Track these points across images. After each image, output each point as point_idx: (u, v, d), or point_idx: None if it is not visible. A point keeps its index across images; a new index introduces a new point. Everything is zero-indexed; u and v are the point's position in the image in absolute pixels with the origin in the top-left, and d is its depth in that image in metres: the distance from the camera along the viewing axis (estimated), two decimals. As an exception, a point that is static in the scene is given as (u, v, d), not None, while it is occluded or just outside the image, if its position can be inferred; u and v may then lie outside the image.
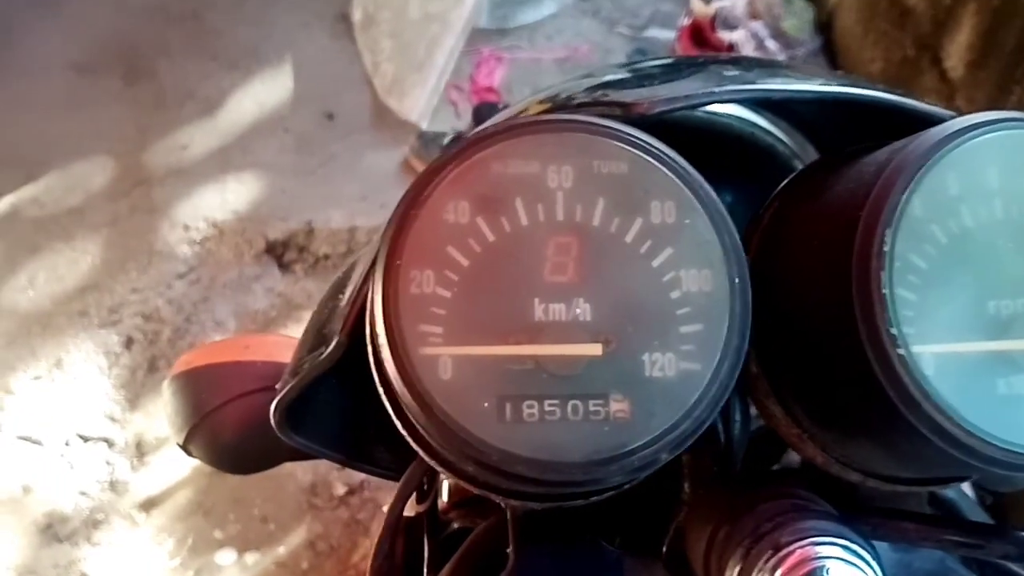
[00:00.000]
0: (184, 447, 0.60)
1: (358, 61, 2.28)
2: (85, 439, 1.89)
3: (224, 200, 2.12)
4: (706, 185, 0.34)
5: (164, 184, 2.15)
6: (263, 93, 2.27)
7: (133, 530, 1.80)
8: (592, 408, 0.32)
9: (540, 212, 0.34)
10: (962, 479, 0.41)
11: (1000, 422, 0.32)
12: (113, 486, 1.84)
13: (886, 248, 0.33)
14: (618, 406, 0.32)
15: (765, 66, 0.50)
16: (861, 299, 0.33)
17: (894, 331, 0.33)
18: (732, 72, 0.45)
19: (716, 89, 0.39)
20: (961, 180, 0.34)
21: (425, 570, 0.50)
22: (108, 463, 1.86)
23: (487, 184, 0.33)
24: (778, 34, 2.31)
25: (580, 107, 0.41)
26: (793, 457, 0.48)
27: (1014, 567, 0.45)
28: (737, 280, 0.33)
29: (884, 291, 0.33)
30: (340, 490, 1.81)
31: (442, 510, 0.59)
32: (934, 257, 0.34)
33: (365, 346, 0.39)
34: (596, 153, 0.34)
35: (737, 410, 0.43)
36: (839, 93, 0.40)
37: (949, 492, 0.45)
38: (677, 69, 0.48)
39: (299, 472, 1.84)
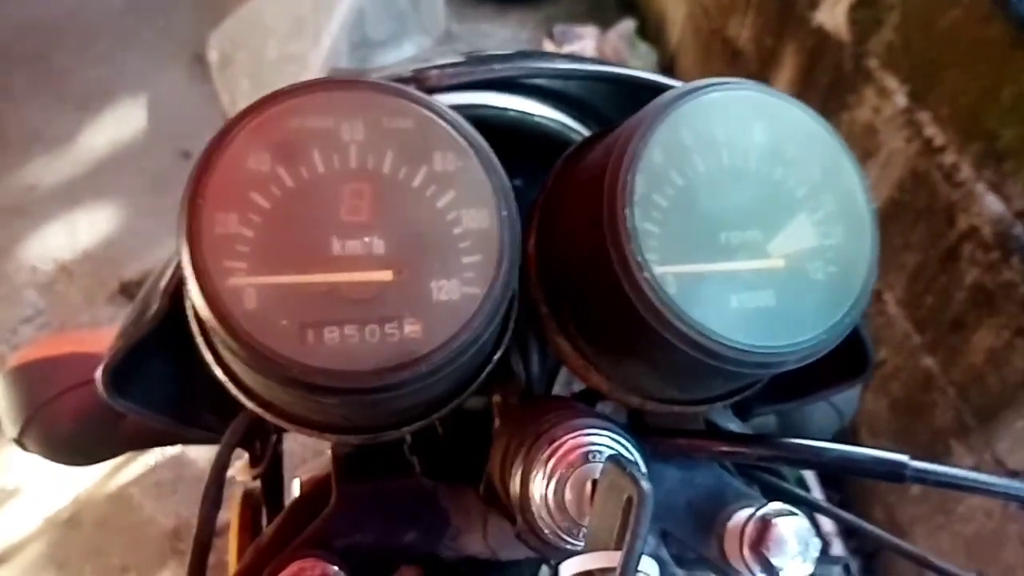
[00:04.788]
0: (19, 441, 0.60)
1: (215, 101, 2.28)
2: (-77, 497, 1.76)
3: (75, 241, 2.05)
4: (479, 137, 0.40)
5: (9, 225, 2.06)
6: (116, 133, 2.22)
7: (-24, 592, 1.68)
8: (388, 331, 0.36)
9: (335, 161, 0.38)
10: (722, 398, 0.48)
11: (735, 329, 0.39)
12: (-45, 546, 1.72)
13: (629, 189, 0.39)
14: (411, 327, 0.36)
15: (560, 56, 0.57)
16: (612, 233, 0.39)
17: (639, 258, 0.39)
18: (532, 59, 0.51)
19: (496, 67, 0.45)
20: (692, 132, 0.41)
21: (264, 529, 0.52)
22: (-51, 521, 1.74)
23: (285, 135, 0.37)
24: (623, 74, 2.46)
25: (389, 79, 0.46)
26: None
27: (771, 476, 0.52)
28: (505, 214, 0.39)
29: (629, 225, 0.39)
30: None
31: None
32: (673, 196, 0.40)
33: (187, 311, 0.42)
34: (385, 110, 0.39)
35: (534, 349, 0.48)
36: (604, 71, 0.47)
37: (720, 417, 0.52)
38: (495, 58, 0.55)
39: (160, 517, 1.78)
